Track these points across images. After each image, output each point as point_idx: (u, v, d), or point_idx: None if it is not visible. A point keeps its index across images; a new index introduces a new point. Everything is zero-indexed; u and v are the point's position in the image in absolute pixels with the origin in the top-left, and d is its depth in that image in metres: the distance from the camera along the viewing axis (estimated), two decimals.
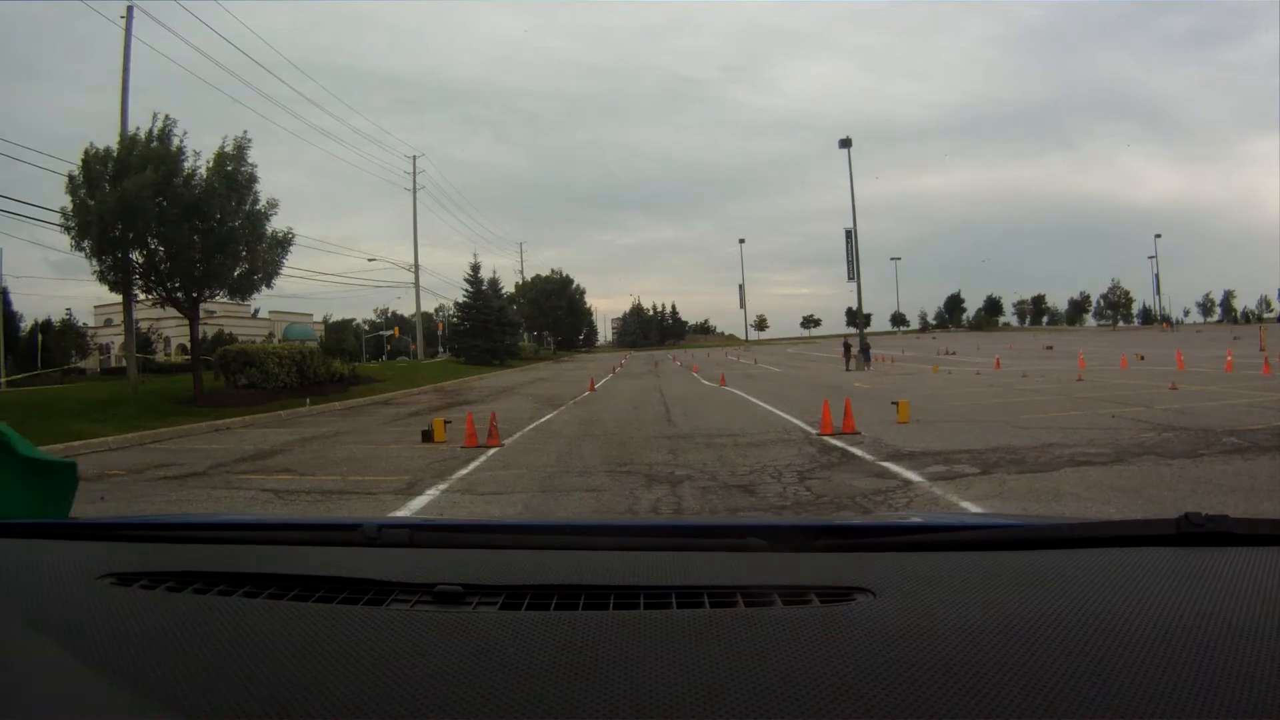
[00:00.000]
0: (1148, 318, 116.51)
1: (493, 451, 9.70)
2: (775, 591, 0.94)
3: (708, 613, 0.90)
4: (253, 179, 18.45)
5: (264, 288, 18.93)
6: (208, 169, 17.86)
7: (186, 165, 17.64)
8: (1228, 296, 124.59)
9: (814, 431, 10.43)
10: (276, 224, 18.93)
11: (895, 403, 11.24)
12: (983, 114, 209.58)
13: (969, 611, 0.86)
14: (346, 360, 26.95)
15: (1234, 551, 1.02)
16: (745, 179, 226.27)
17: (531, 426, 13.15)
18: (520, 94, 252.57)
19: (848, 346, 35.35)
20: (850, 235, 37.86)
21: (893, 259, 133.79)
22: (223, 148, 18.15)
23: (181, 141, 17.75)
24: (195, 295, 18.25)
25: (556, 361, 63.03)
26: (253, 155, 18.47)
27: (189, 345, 21.66)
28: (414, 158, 50.14)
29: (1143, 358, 27.29)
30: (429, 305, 74.27)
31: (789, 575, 1.01)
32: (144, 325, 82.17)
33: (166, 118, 17.90)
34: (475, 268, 52.80)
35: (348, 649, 0.82)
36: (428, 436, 10.96)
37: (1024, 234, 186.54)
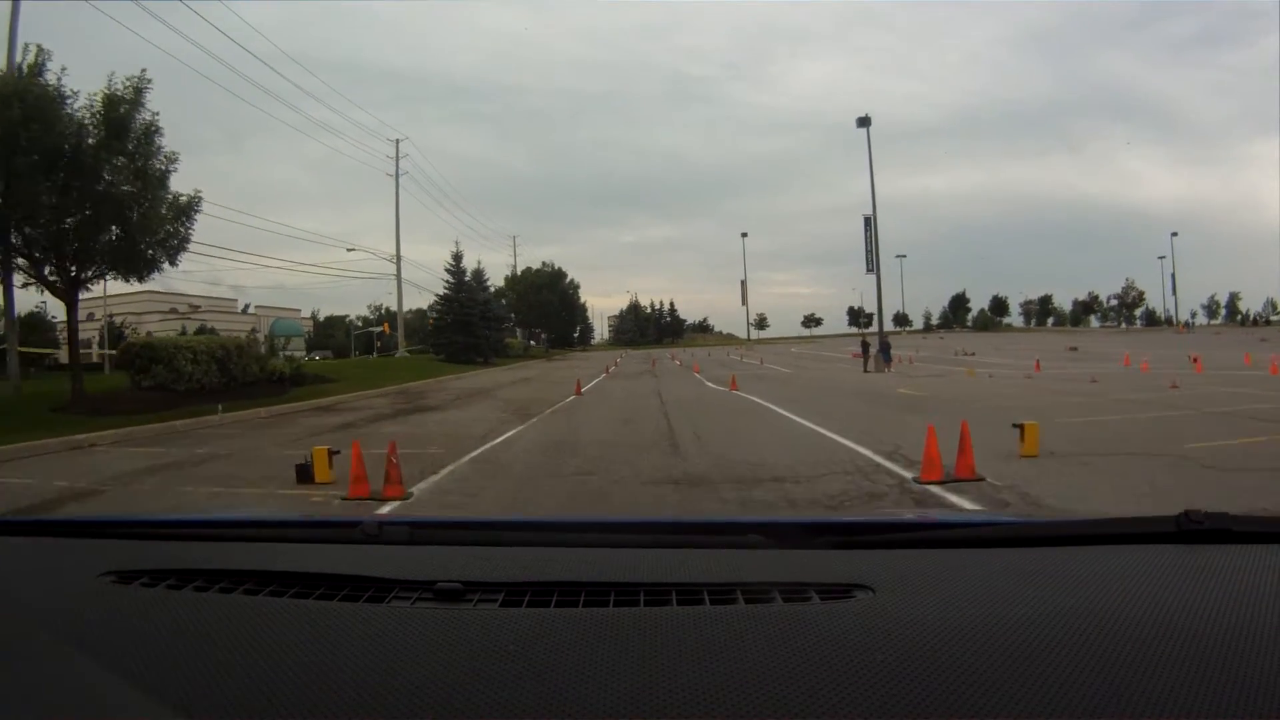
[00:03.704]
0: (1151, 319, 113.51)
1: (389, 508, 5.91)
2: (775, 588, 0.93)
3: (708, 610, 0.89)
4: (153, 129, 14.66)
5: (167, 264, 15.13)
6: (91, 114, 14.08)
7: (67, 110, 13.85)
8: (1233, 299, 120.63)
9: (900, 470, 6.72)
10: (180, 185, 15.17)
11: (1019, 425, 7.45)
12: (986, 114, 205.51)
13: (969, 609, 0.85)
14: (287, 359, 22.87)
15: (1234, 549, 1.01)
16: (746, 177, 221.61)
17: (475, 454, 9.19)
18: (520, 90, 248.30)
19: (866, 345, 31.89)
20: (869, 223, 34.09)
21: (898, 256, 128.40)
22: (111, 86, 14.35)
23: (59, 80, 13.97)
24: (73, 273, 14.46)
25: (548, 360, 58.58)
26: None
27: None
28: (397, 141, 46.61)
29: (1197, 359, 23.99)
30: (423, 301, 70.38)
31: (789, 572, 0.99)
32: (119, 319, 78.58)
33: (40, 49, 14.12)
34: (457, 256, 46.61)
35: (348, 646, 0.81)
36: (305, 474, 7.15)
37: (1024, 235, 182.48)
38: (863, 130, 31.16)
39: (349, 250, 42.80)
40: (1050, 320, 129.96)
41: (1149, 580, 0.93)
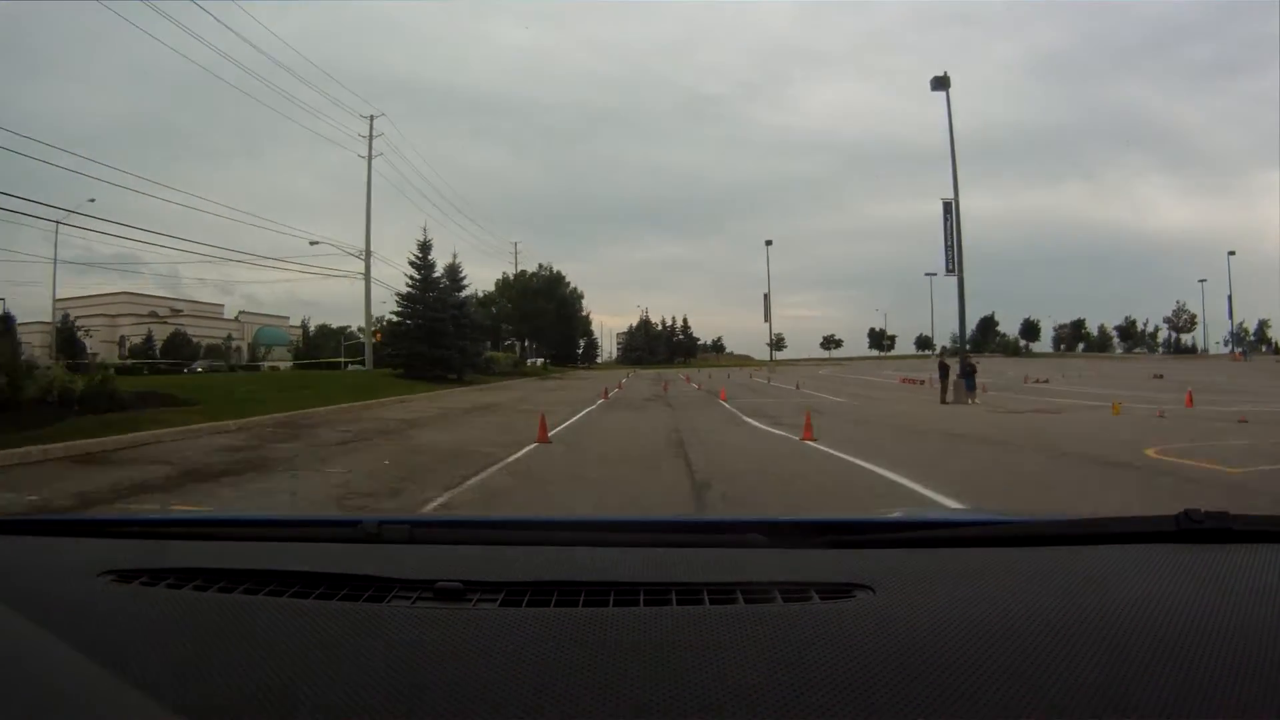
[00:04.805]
0: (1179, 347, 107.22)
1: None
2: (775, 588, 0.93)
3: (708, 609, 0.89)
4: None
5: None
6: None
7: None
8: (1262, 326, 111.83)
9: None
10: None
11: None
12: (1002, 139, 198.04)
13: (969, 608, 0.85)
14: (77, 372, 15.05)
15: (1233, 548, 1.01)
16: (758, 198, 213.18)
17: None
18: (536, 106, 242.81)
19: (945, 369, 24.08)
20: (950, 210, 26.19)
21: (927, 275, 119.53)
22: None
23: None
24: None
25: (540, 379, 49.41)
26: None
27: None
28: (371, 118, 39.28)
29: None
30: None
31: (789, 572, 0.99)
32: (74, 319, 71.31)
33: None
34: (424, 246, 35.40)
35: (348, 646, 0.81)
36: None
37: (1039, 260, 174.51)
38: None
39: (312, 244, 34.69)
40: (1080, 346, 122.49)
41: (1149, 579, 0.93)
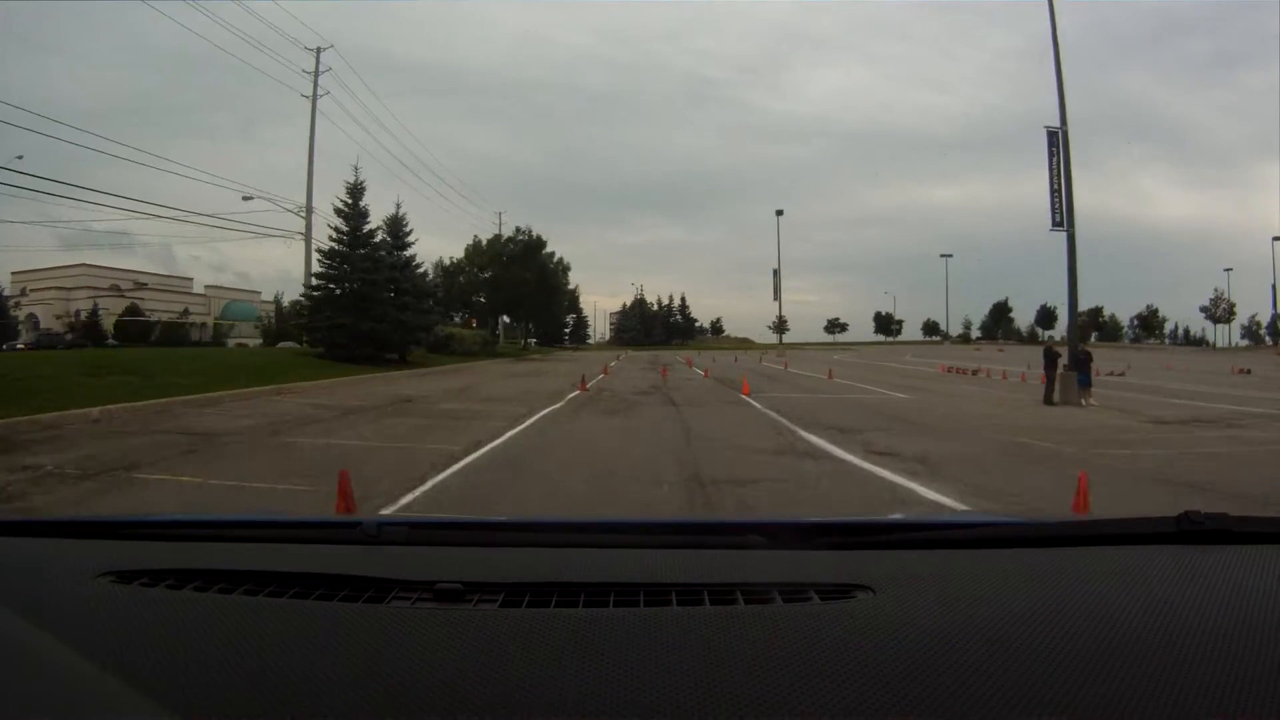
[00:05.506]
0: (1186, 338, 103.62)
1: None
2: (775, 589, 0.93)
3: (707, 610, 0.89)
4: None
5: None
6: None
7: None
8: (1275, 319, 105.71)
9: None
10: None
11: None
12: (1001, 129, 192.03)
13: (970, 609, 0.85)
14: None
15: (1233, 549, 1.01)
16: (756, 182, 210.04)
17: None
18: (534, 87, 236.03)
19: (1053, 356, 17.36)
20: (1056, 142, 19.16)
21: (943, 255, 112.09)
22: None
23: None
24: None
25: (514, 361, 41.12)
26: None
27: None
28: (318, 50, 31.91)
29: None
30: None
31: (789, 573, 0.98)
32: (31, 291, 63.83)
33: None
34: (355, 190, 26.52)
35: (348, 646, 0.81)
36: None
37: (1039, 247, 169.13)
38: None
39: (245, 199, 27.37)
40: (1094, 335, 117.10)
41: (1149, 580, 0.93)
